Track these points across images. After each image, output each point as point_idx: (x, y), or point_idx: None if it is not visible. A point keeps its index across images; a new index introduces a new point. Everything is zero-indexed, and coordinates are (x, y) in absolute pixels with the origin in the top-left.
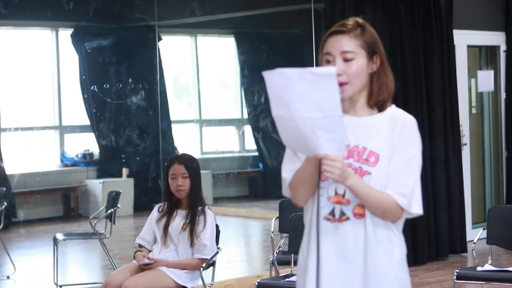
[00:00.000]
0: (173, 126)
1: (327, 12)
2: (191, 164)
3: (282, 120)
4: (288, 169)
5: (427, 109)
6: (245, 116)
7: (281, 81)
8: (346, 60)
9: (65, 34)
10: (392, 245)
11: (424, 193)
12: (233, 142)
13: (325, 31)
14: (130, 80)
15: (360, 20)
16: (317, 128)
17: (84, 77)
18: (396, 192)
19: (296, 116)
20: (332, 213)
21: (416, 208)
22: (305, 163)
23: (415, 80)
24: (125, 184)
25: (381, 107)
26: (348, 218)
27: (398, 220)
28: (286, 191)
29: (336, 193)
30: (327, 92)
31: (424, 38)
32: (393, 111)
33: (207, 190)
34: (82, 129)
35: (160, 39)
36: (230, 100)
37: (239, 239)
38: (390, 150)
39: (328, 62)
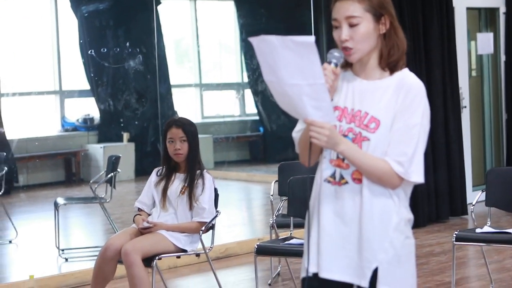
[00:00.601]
0: (173, 90)
1: None
2: (188, 128)
3: (272, 85)
4: (297, 129)
5: (426, 72)
6: (245, 80)
7: (266, 47)
8: (351, 25)
9: None
10: (389, 211)
11: (424, 156)
12: (233, 106)
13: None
14: (127, 44)
15: None
16: (303, 95)
17: (82, 41)
18: (393, 159)
19: (284, 82)
20: (333, 175)
21: (415, 177)
22: (307, 126)
23: (414, 43)
24: (126, 149)
25: (392, 69)
26: (346, 182)
27: (397, 187)
28: (297, 150)
29: (337, 157)
30: (309, 60)
31: (423, 1)
32: (403, 75)
33: (208, 155)
34: (82, 93)
35: (159, 3)
36: (230, 64)
37: (240, 203)
38: (391, 116)
39: (336, 28)
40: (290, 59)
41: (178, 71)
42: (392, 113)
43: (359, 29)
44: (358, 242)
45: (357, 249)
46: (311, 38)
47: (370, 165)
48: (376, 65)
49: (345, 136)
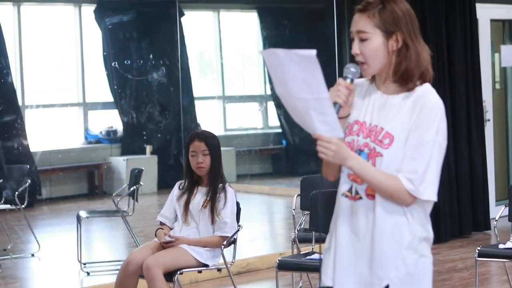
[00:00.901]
0: (196, 102)
1: None
2: (211, 141)
3: (284, 98)
4: None
5: (449, 85)
6: (268, 92)
7: (275, 61)
8: (362, 40)
9: (88, 9)
10: (401, 229)
11: (447, 170)
12: (256, 119)
13: (347, 6)
14: (151, 56)
15: None
16: (310, 109)
17: (105, 53)
18: (405, 176)
19: (293, 96)
20: (350, 190)
21: (427, 195)
22: None
23: (437, 55)
24: (149, 161)
25: (410, 85)
26: (361, 198)
27: (409, 204)
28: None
29: None
30: (313, 74)
31: (446, 11)
32: (421, 91)
33: (230, 167)
34: (105, 105)
35: (182, 14)
36: (253, 76)
37: (262, 217)
38: (406, 132)
39: (352, 40)
40: (297, 72)
41: (201, 83)
42: (407, 129)
43: (368, 45)
44: (370, 259)
45: (368, 266)
46: (313, 52)
47: (380, 181)
48: (391, 81)
49: (361, 151)
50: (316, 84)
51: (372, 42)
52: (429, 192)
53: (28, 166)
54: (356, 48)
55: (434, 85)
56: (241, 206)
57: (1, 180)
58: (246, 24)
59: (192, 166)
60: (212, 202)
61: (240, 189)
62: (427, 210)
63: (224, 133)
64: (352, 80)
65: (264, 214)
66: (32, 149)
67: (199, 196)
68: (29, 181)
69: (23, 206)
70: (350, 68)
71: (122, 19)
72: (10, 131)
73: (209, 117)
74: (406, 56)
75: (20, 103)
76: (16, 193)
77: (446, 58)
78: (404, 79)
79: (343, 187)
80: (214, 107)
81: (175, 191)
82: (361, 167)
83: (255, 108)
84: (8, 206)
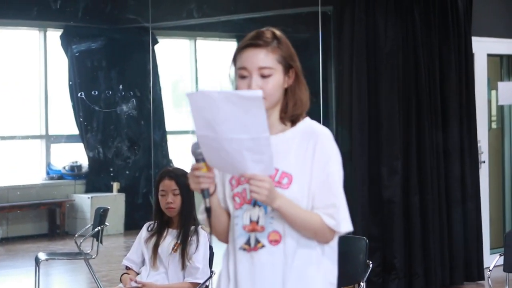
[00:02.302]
0: (169, 137)
1: (336, 15)
2: (182, 180)
3: (206, 140)
4: (202, 210)
5: (442, 123)
6: None
7: (205, 102)
8: (263, 76)
9: (54, 35)
10: (312, 264)
11: (438, 214)
12: None
13: (334, 36)
14: (120, 86)
15: (276, 31)
16: (244, 149)
17: (71, 82)
18: (324, 213)
19: (222, 137)
20: (248, 242)
21: (344, 227)
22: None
23: (430, 91)
24: (115, 200)
25: (294, 121)
26: (263, 246)
27: (331, 240)
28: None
29: (251, 221)
30: (253, 115)
31: (440, 45)
32: (305, 125)
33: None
34: (70, 139)
35: (156, 42)
36: None
37: None
38: (303, 168)
39: (243, 77)
40: (233, 113)
41: (175, 116)
42: (303, 164)
43: (271, 81)
44: None
45: None
46: (259, 93)
47: (305, 220)
48: (277, 119)
49: None
50: (256, 124)
51: (274, 79)
52: (346, 223)
53: None
54: (256, 85)
55: (426, 123)
56: (214, 251)
57: None
58: (225, 54)
59: (162, 206)
60: (183, 246)
61: None
62: (335, 245)
63: None
64: (203, 159)
65: None
66: None
67: (169, 238)
68: None
69: None
70: (197, 150)
71: (90, 46)
72: None
73: (182, 153)
74: (300, 93)
75: None
76: None
77: (439, 94)
78: (293, 116)
79: (239, 241)
80: (188, 142)
81: (143, 233)
82: (289, 206)
83: None
84: None
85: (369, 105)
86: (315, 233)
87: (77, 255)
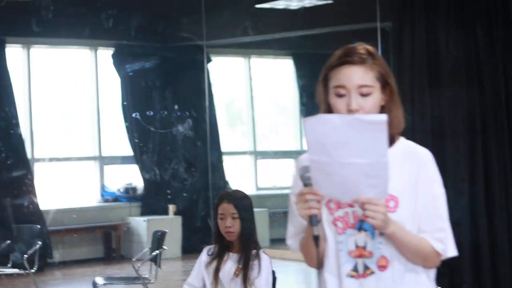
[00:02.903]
0: (225, 158)
1: (395, 31)
2: (241, 203)
3: (318, 165)
4: (291, 235)
5: (509, 143)
6: (305, 147)
7: (324, 127)
8: (362, 94)
9: (105, 54)
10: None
11: (508, 238)
12: (291, 177)
13: (393, 53)
14: (176, 106)
15: (369, 47)
16: (361, 174)
17: (125, 102)
18: (433, 237)
19: (337, 162)
20: (355, 268)
21: (451, 251)
22: (306, 233)
23: (495, 110)
24: (172, 223)
25: (390, 142)
26: (372, 272)
27: (437, 265)
28: (302, 254)
29: (357, 246)
30: (375, 139)
31: (505, 61)
32: (404, 145)
33: (263, 231)
34: (124, 160)
35: (209, 60)
36: (288, 129)
37: (299, 287)
38: (409, 191)
39: (340, 96)
40: (352, 137)
41: (230, 136)
42: (408, 186)
43: (370, 99)
44: None
45: None
46: (383, 118)
47: (417, 245)
48: None
49: (362, 221)
50: (376, 148)
51: (374, 96)
52: (452, 248)
53: (39, 226)
54: (356, 103)
55: (492, 143)
56: (276, 275)
57: (10, 241)
58: (280, 72)
59: (221, 230)
60: (244, 270)
61: (275, 255)
62: (434, 273)
63: (255, 193)
64: (311, 184)
65: (301, 284)
66: (42, 207)
67: (230, 263)
68: (40, 243)
69: (33, 270)
70: (306, 174)
71: (144, 66)
72: (19, 187)
73: (238, 175)
74: (391, 110)
75: (29, 156)
76: (25, 256)
77: (506, 113)
78: (390, 136)
79: (345, 267)
80: (245, 163)
81: (203, 257)
82: (401, 231)
83: (290, 165)
84: (16, 271)
85: (432, 124)
86: (425, 259)
87: (135, 279)
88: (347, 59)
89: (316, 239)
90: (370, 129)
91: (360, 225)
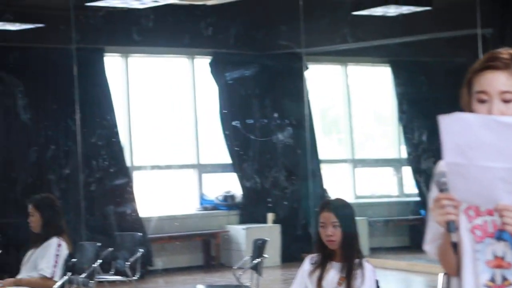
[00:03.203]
0: (322, 166)
1: (495, 38)
2: (342, 211)
3: (456, 168)
4: (429, 239)
5: None
6: (404, 155)
7: (459, 126)
8: (504, 101)
9: (202, 62)
10: None
11: None
12: (390, 185)
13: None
14: (275, 114)
15: None
16: (497, 178)
17: (225, 111)
18: None
19: (474, 164)
20: (492, 279)
21: None
22: (444, 239)
23: None
24: (270, 231)
25: None
26: (510, 284)
27: None
28: (439, 261)
29: (495, 256)
30: (510, 142)
31: None
32: None
33: (362, 239)
34: (222, 168)
35: (306, 68)
36: (387, 137)
37: None
38: None
39: (481, 101)
40: (489, 139)
41: (326, 144)
42: None
43: None
44: None
45: None
46: None
47: None
48: None
49: (501, 231)
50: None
51: None
52: None
53: (141, 234)
54: (496, 110)
55: None
56: (380, 284)
57: (112, 249)
58: (378, 79)
59: (323, 239)
60: (348, 280)
61: (375, 264)
62: None
63: (354, 201)
64: (447, 190)
65: None
66: (142, 215)
67: (333, 272)
68: (142, 250)
69: (135, 277)
70: (442, 179)
71: (243, 74)
72: (121, 195)
73: (337, 183)
74: None
75: (128, 164)
76: (127, 263)
77: None
78: None
79: (483, 277)
80: (343, 172)
81: (306, 265)
82: None
83: (389, 173)
84: (119, 278)
85: None
86: None
87: (237, 287)
88: (490, 64)
89: (455, 246)
90: (508, 132)
91: (499, 235)
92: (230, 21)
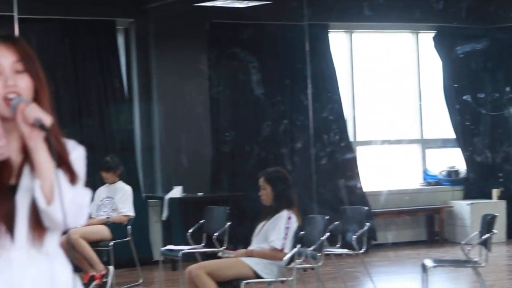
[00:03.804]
0: None
1: None
2: None
3: None
4: None
5: None
6: None
7: None
8: None
9: (425, 37)
10: None
11: None
12: None
13: None
14: (507, 88)
15: None
16: None
17: (456, 85)
18: None
19: None
20: None
21: None
22: None
23: None
24: (495, 207)
25: None
26: None
27: None
28: None
29: None
30: None
31: None
32: None
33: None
34: (445, 143)
35: None
36: None
37: None
38: None
39: None
40: None
41: None
42: None
43: None
44: None
45: None
46: None
47: None
48: None
49: None
50: None
51: None
52: None
53: (367, 208)
54: None
55: None
56: None
57: (339, 222)
58: None
59: None
60: None
61: None
62: None
63: None
64: None
65: None
66: (366, 189)
67: None
68: (369, 224)
69: (361, 251)
70: None
71: (474, 48)
72: (350, 169)
73: None
74: None
75: (351, 139)
76: (354, 237)
77: None
78: None
79: None
80: None
81: None
82: None
83: None
84: (345, 251)
85: None
86: None
87: (465, 263)
88: None
89: None
90: None
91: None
92: None
